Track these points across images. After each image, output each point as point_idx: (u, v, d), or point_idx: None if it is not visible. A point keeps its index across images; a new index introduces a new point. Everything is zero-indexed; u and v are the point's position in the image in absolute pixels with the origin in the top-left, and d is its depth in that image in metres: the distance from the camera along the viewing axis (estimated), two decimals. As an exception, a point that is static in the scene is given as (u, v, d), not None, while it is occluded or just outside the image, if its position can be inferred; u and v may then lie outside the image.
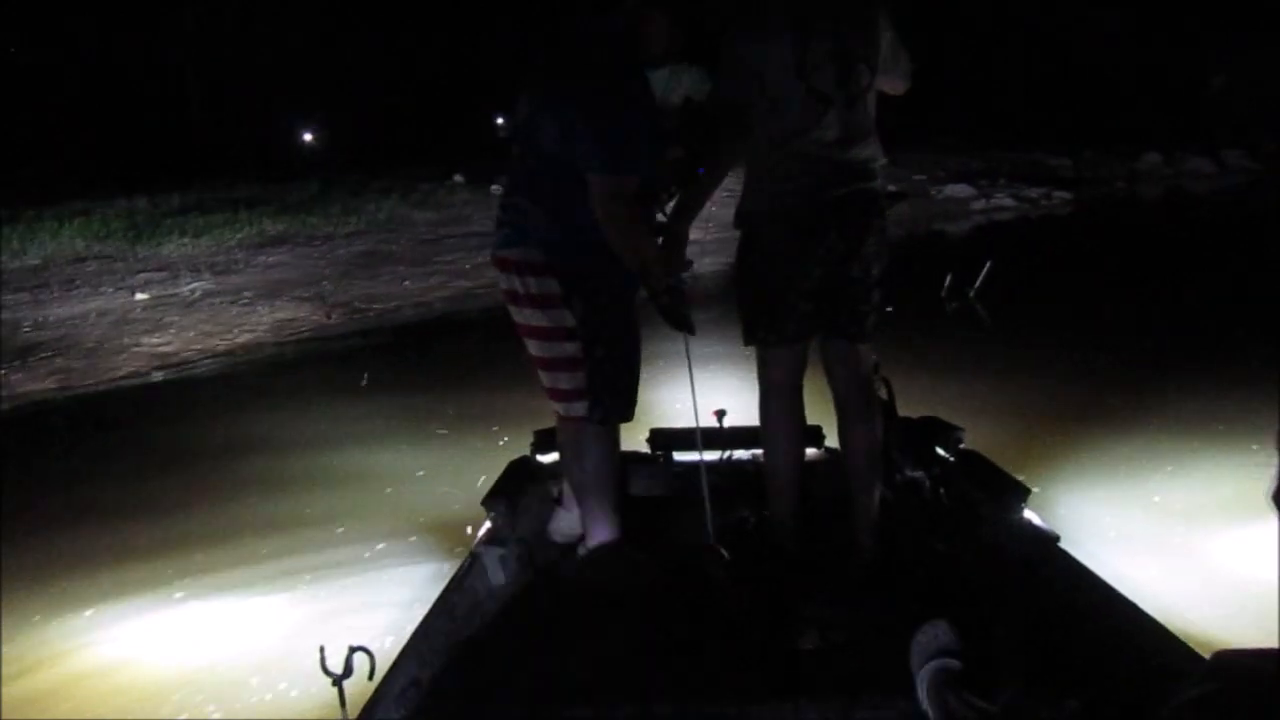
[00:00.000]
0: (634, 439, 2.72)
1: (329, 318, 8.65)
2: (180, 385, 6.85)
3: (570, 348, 2.32)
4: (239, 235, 11.87)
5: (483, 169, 17.27)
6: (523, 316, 2.35)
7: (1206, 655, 1.56)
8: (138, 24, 21.74)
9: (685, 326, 2.33)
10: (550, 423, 2.76)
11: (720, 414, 2.98)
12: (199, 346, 7.77)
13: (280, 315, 8.72)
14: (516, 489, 2.82)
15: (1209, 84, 29.65)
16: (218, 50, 22.58)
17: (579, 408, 2.36)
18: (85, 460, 5.18)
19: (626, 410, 2.42)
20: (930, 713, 1.72)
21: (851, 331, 2.45)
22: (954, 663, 1.75)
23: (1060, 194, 15.60)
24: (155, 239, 11.57)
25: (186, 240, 11.59)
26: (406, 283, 10.02)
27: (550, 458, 2.95)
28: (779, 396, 2.50)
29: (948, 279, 7.75)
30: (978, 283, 7.68)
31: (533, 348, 2.37)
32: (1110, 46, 25.36)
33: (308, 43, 25.26)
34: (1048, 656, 1.81)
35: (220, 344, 7.87)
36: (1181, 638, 1.89)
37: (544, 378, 2.39)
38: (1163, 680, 1.42)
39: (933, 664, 1.76)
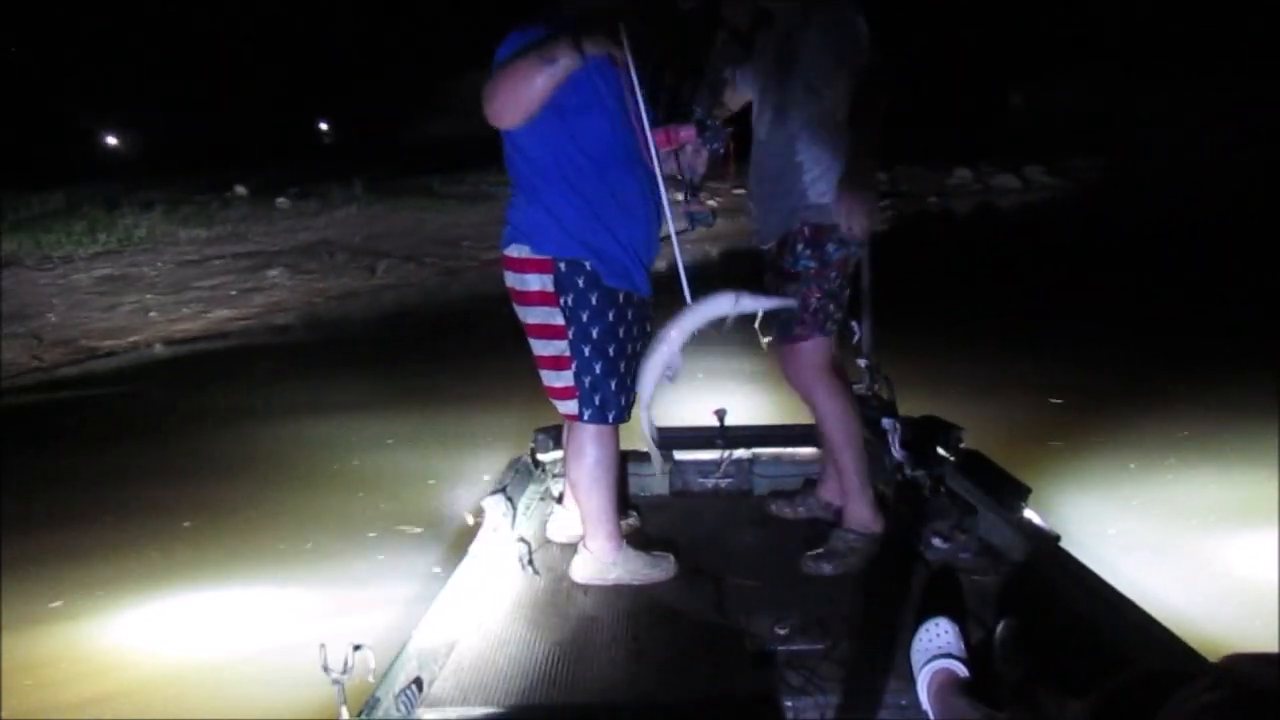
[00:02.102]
0: (632, 439, 2.65)
1: (40, 360, 7.08)
2: None
3: (558, 345, 2.37)
4: (-54, 257, 9.88)
5: (274, 178, 15.61)
6: (521, 314, 2.41)
7: (1207, 657, 1.63)
8: None
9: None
10: (549, 421, 2.94)
11: (721, 413, 2.99)
12: None
13: (-25, 358, 7.07)
14: (516, 488, 2.82)
15: (1008, 103, 31.45)
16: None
17: (571, 406, 2.41)
18: None
19: (619, 411, 2.42)
20: (930, 712, 1.71)
21: None
22: (960, 667, 1.72)
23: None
24: None
25: None
26: (153, 314, 8.49)
27: (550, 456, 3.03)
28: (838, 373, 2.58)
29: None
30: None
31: (531, 345, 2.43)
32: (921, 64, 26.32)
33: (126, 36, 22.89)
34: (1049, 656, 1.80)
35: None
36: (1182, 639, 1.88)
37: (542, 375, 2.45)
38: (1165, 682, 1.36)
39: (934, 664, 1.74)
